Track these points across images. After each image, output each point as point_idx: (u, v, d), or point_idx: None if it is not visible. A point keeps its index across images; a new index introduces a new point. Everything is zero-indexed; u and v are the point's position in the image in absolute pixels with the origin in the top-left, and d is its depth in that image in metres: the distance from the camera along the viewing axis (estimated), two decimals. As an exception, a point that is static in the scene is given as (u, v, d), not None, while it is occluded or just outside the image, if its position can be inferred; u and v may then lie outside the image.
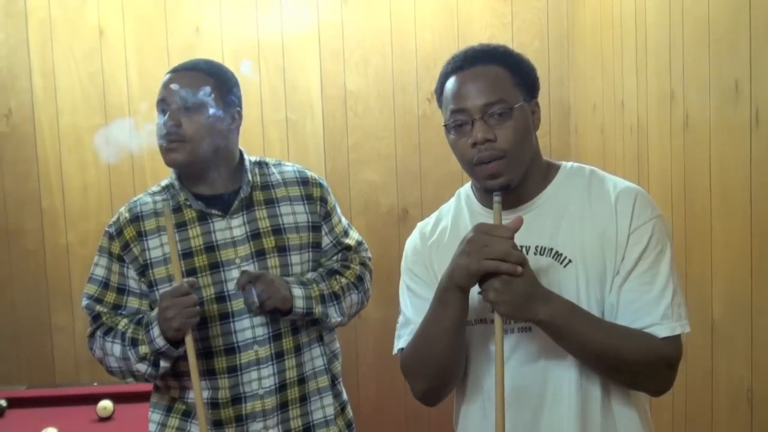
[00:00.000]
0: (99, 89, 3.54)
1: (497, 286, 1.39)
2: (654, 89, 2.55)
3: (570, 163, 1.66)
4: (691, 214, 2.29)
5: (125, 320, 2.01)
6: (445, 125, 1.59)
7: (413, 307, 1.67)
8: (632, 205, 1.53)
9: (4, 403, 2.84)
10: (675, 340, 1.49)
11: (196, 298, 1.89)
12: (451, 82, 1.58)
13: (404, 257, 1.74)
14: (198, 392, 1.87)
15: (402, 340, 1.67)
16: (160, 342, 1.91)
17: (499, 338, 1.43)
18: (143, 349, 1.94)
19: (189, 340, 1.87)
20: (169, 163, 2.03)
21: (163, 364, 1.96)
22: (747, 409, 1.97)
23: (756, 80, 1.87)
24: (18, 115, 3.53)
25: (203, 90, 2.01)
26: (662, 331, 1.47)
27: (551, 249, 1.54)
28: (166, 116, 1.98)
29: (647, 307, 1.49)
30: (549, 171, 1.63)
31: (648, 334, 1.47)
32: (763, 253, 1.87)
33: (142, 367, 1.96)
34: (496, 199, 1.45)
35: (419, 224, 1.76)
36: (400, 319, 1.71)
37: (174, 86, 1.99)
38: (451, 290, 1.47)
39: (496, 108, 1.52)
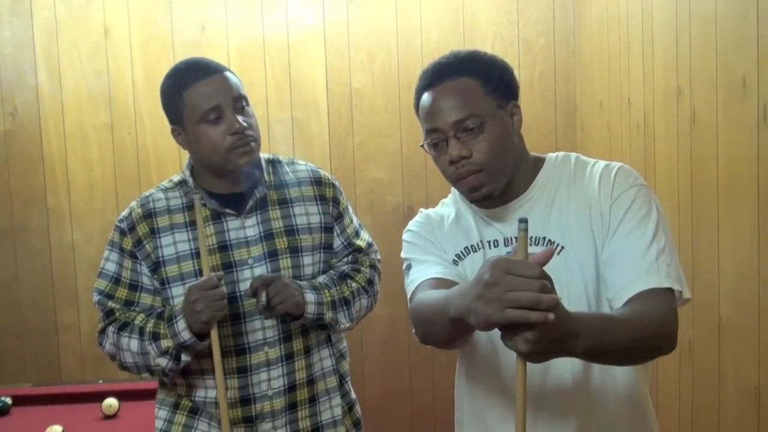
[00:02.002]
0: (104, 87, 3.54)
1: (530, 337, 1.18)
2: (660, 86, 2.54)
3: (555, 154, 1.67)
4: (698, 211, 2.28)
5: (142, 315, 2.00)
6: (422, 145, 1.60)
7: (425, 252, 1.65)
8: (613, 177, 1.54)
9: (9, 400, 2.84)
10: (669, 298, 1.43)
11: (224, 292, 1.90)
12: (423, 100, 1.58)
13: (407, 229, 1.74)
14: (221, 385, 1.89)
15: (418, 279, 1.61)
16: (185, 335, 1.90)
17: (521, 389, 1.25)
18: (165, 342, 1.93)
19: (214, 334, 1.89)
20: (245, 165, 1.99)
21: (185, 358, 1.95)
22: (754, 407, 1.96)
23: (763, 76, 1.86)
24: (23, 114, 3.53)
25: (243, 88, 2.02)
26: (648, 283, 1.42)
27: (543, 238, 1.55)
28: (242, 117, 1.96)
29: (631, 264, 1.45)
30: (537, 164, 1.64)
31: (652, 309, 1.40)
32: (771, 250, 1.86)
33: (163, 362, 1.95)
34: (522, 226, 1.20)
35: (422, 209, 1.78)
36: (413, 268, 1.66)
37: (229, 88, 1.97)
38: (462, 323, 1.29)
39: (468, 123, 1.51)
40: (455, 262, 1.63)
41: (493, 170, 1.53)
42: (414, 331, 1.60)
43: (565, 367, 1.53)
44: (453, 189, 1.76)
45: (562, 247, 1.54)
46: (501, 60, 1.62)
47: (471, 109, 1.51)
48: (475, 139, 1.52)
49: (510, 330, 1.20)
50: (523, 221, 1.20)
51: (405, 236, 1.73)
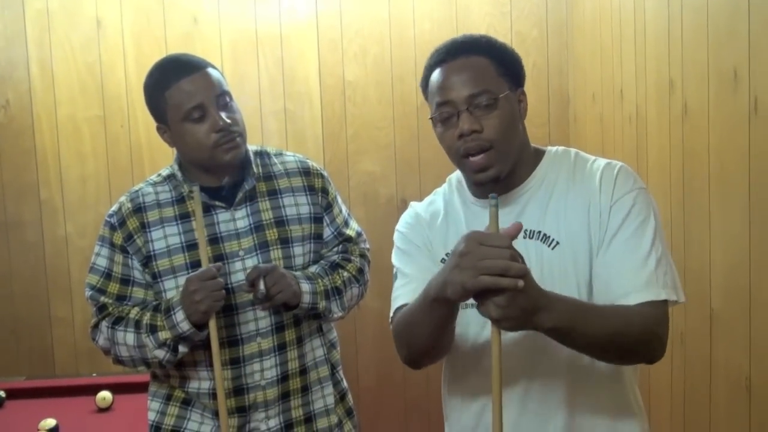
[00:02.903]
0: (97, 80, 3.53)
1: (501, 302, 1.27)
2: (653, 78, 2.54)
3: (555, 148, 1.66)
4: (689, 203, 2.28)
5: (137, 309, 2.01)
6: (431, 118, 1.59)
7: (414, 264, 1.66)
8: (614, 179, 1.54)
9: (3, 394, 2.84)
10: (661, 307, 1.47)
11: (222, 282, 1.90)
12: (435, 75, 1.58)
13: (396, 231, 1.73)
14: (219, 375, 1.89)
15: (399, 299, 1.63)
16: (185, 326, 1.91)
17: (496, 354, 1.33)
18: (163, 334, 1.93)
19: (213, 324, 1.89)
20: (231, 161, 1.99)
21: (182, 349, 1.96)
22: (745, 396, 1.98)
23: (755, 68, 1.86)
24: (16, 106, 3.52)
25: (225, 83, 2.02)
26: (646, 296, 1.45)
27: (539, 232, 1.55)
28: (226, 113, 1.96)
29: (630, 273, 1.47)
30: (536, 157, 1.64)
31: (641, 310, 1.44)
32: (762, 241, 1.87)
33: (161, 354, 1.95)
34: (492, 202, 1.31)
35: (413, 203, 1.77)
36: (398, 281, 1.67)
37: (211, 85, 1.96)
38: (441, 301, 1.38)
39: (481, 99, 1.51)
40: (444, 261, 1.63)
41: (502, 149, 1.53)
42: (397, 349, 1.62)
43: (551, 350, 1.54)
44: (448, 179, 1.76)
45: (557, 243, 1.54)
46: (512, 49, 1.64)
47: (485, 85, 1.52)
48: (487, 115, 1.51)
49: (483, 297, 1.29)
50: (494, 197, 1.31)
51: (395, 237, 1.73)
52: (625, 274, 1.47)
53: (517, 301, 1.27)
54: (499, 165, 1.53)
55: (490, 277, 1.25)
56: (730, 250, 2.05)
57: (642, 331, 1.44)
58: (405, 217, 1.74)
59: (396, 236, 1.73)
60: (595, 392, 1.57)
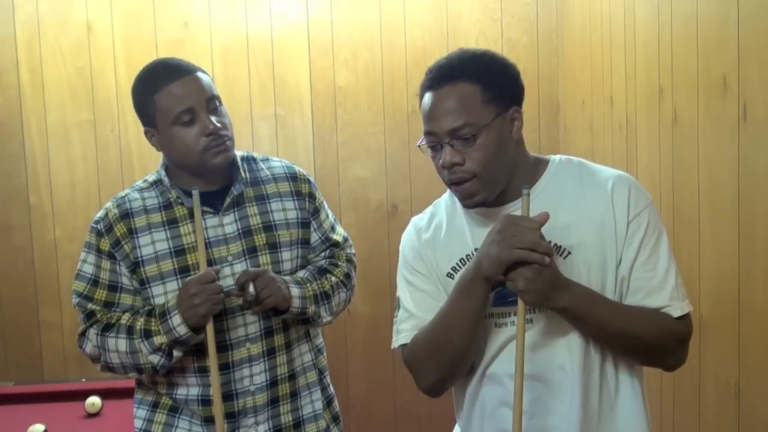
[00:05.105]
0: (87, 84, 3.52)
1: (528, 275, 1.43)
2: (643, 85, 2.56)
3: (558, 156, 1.68)
4: (679, 211, 2.29)
5: (127, 314, 1.99)
6: (419, 146, 1.62)
7: (414, 301, 1.68)
8: (627, 195, 1.58)
9: (-9, 399, 2.82)
10: (686, 318, 1.58)
11: (221, 286, 1.90)
12: (425, 100, 1.60)
13: (401, 253, 1.75)
14: (215, 378, 1.88)
15: (403, 335, 1.67)
16: (182, 330, 1.90)
17: (521, 326, 1.47)
18: (159, 339, 1.92)
19: (210, 328, 1.89)
20: (220, 165, 1.99)
21: (177, 353, 1.95)
22: (734, 403, 1.98)
23: (744, 76, 1.87)
24: (5, 111, 3.51)
25: (215, 87, 2.02)
26: (674, 312, 1.55)
27: (549, 242, 1.55)
28: (216, 117, 1.96)
29: (655, 292, 1.56)
30: (538, 166, 1.65)
31: (661, 312, 1.55)
32: (751, 249, 1.88)
33: (155, 359, 1.94)
34: (525, 191, 1.48)
35: (414, 219, 1.78)
36: (400, 313, 1.71)
37: (201, 89, 1.96)
38: (477, 280, 1.49)
39: (462, 132, 1.53)
40: (450, 276, 1.64)
41: (485, 179, 1.55)
42: (419, 376, 1.65)
43: (564, 357, 1.58)
44: (449, 190, 1.76)
45: (569, 253, 1.57)
46: (506, 65, 1.61)
47: (467, 118, 1.52)
48: (469, 148, 1.53)
49: (513, 271, 1.44)
50: (526, 187, 1.49)
51: (400, 261, 1.75)
52: (650, 293, 1.56)
53: (543, 275, 1.43)
54: (484, 192, 1.57)
55: (522, 250, 1.41)
56: (719, 256, 2.06)
57: (661, 333, 1.55)
58: (407, 237, 1.75)
59: (401, 261, 1.74)
60: (606, 399, 1.61)
